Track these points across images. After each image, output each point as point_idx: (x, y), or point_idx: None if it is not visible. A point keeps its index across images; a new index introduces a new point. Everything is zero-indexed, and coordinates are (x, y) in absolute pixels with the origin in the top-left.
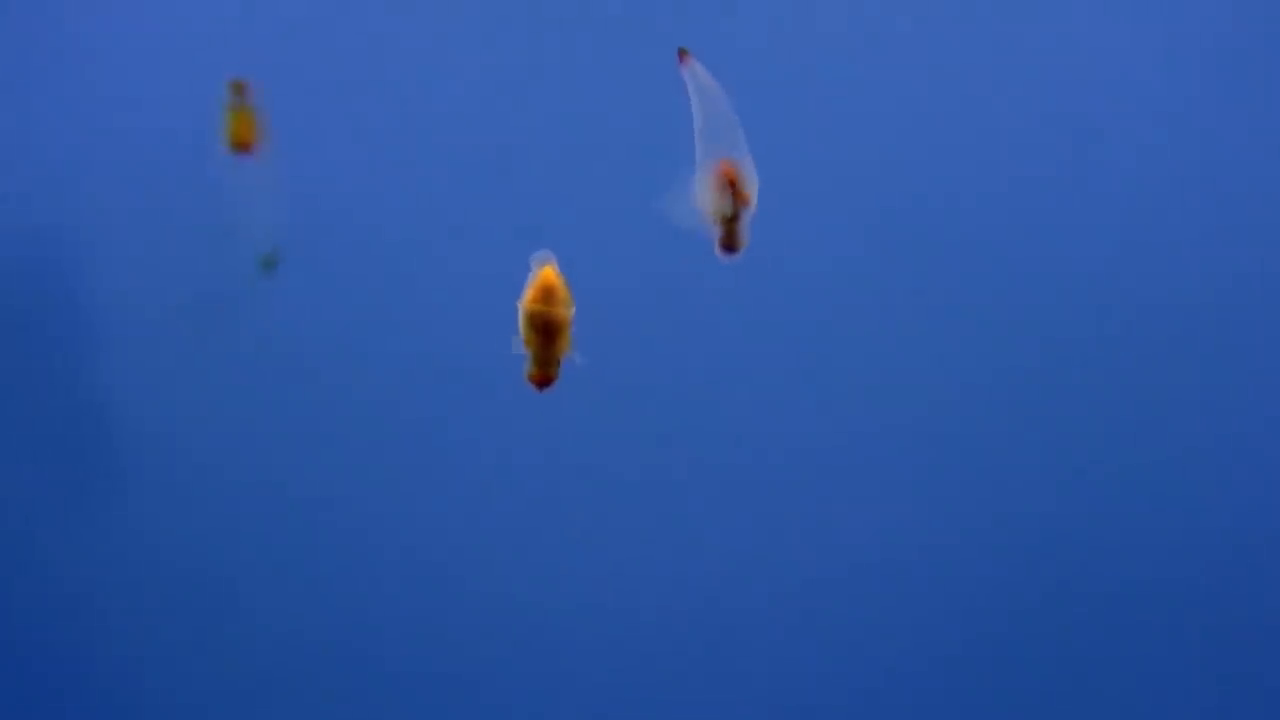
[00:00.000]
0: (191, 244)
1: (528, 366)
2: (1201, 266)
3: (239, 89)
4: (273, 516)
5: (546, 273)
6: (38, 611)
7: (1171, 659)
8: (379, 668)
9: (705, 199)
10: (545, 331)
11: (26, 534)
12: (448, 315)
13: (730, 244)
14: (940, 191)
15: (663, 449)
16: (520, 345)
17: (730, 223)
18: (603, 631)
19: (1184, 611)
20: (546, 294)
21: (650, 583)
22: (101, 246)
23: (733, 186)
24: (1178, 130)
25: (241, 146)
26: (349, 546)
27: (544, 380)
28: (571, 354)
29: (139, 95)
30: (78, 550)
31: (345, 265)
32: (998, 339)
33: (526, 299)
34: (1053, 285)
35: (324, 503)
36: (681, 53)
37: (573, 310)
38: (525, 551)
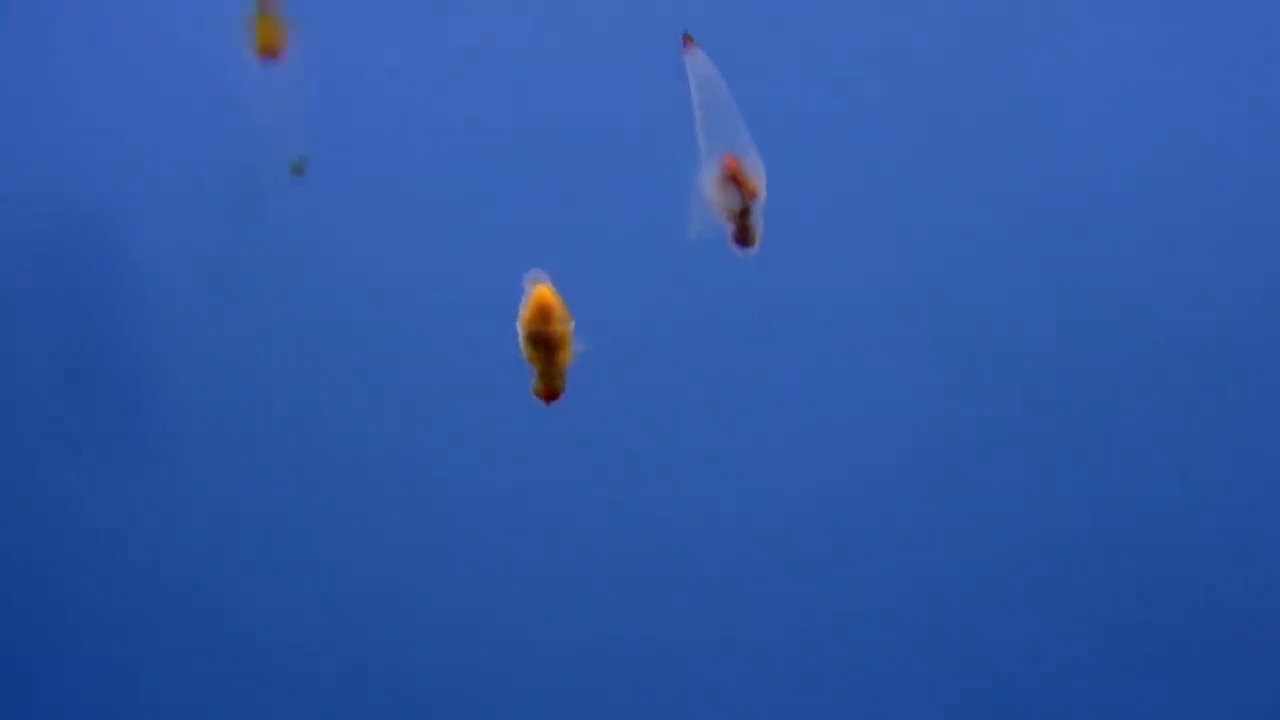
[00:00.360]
0: (223, 154)
1: (534, 382)
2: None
3: None
4: (313, 472)
5: (541, 291)
6: (85, 566)
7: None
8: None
9: (713, 195)
10: (546, 348)
11: (73, 492)
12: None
13: (744, 238)
14: (960, 192)
15: (670, 455)
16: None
17: (742, 217)
18: (604, 633)
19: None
20: (543, 313)
21: (659, 588)
22: (134, 173)
23: (738, 180)
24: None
25: (268, 52)
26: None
27: (551, 394)
28: (580, 347)
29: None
30: (125, 505)
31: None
32: (1013, 337)
33: (524, 319)
34: (1075, 277)
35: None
36: (686, 38)
37: (571, 324)
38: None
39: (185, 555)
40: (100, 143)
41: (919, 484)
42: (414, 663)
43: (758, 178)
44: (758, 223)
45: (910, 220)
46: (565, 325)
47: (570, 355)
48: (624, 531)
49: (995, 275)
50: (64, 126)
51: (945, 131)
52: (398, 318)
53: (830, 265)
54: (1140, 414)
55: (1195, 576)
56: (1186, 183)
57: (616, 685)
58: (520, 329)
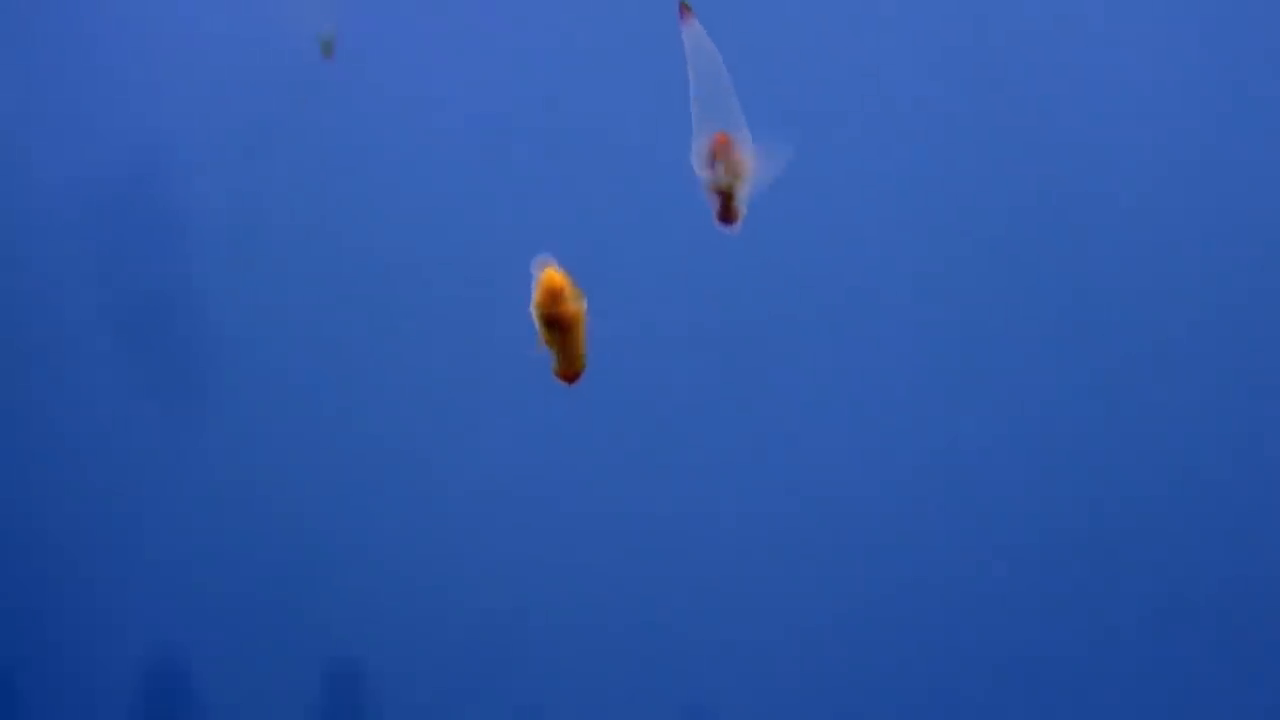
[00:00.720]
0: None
1: (553, 364)
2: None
3: None
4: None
5: (550, 274)
6: (137, 513)
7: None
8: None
9: (701, 170)
10: (560, 328)
11: (125, 441)
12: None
13: (727, 216)
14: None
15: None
16: (541, 347)
17: (726, 194)
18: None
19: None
20: (553, 295)
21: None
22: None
23: (727, 157)
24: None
25: None
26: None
27: (572, 375)
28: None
29: None
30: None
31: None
32: (1012, 334)
33: (536, 303)
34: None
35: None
36: (684, 7)
37: (584, 302)
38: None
39: (229, 512)
40: (143, 94)
41: (934, 482)
42: (422, 646)
43: (748, 156)
44: (743, 201)
45: (915, 216)
46: (577, 304)
47: (584, 335)
48: (643, 517)
49: (997, 273)
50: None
51: (954, 125)
52: (417, 312)
53: (847, 250)
54: (1148, 414)
55: (1199, 576)
56: (1190, 182)
57: (634, 676)
58: (534, 313)
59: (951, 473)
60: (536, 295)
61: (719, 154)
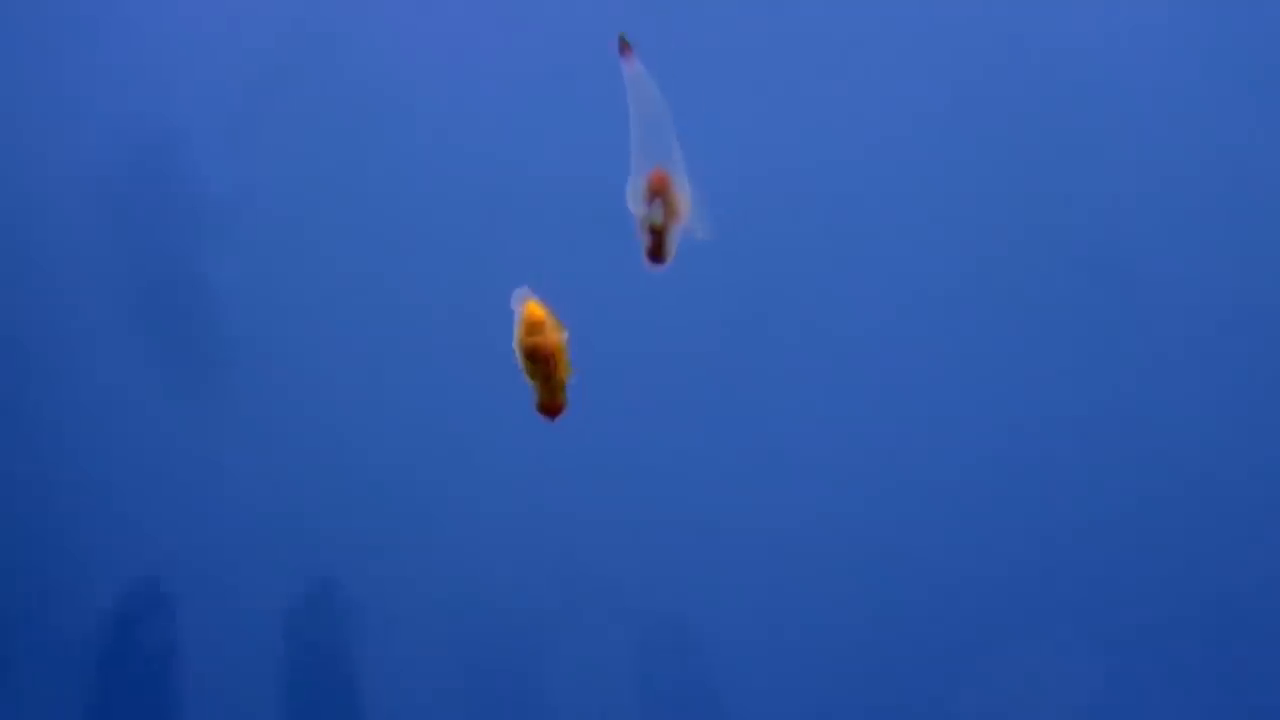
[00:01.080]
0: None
1: (535, 399)
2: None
3: None
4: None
5: (530, 306)
6: (151, 481)
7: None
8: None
9: (636, 206)
10: (542, 360)
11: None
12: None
13: (657, 254)
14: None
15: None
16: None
17: (658, 232)
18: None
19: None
20: (534, 326)
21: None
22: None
23: (662, 196)
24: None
25: None
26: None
27: (554, 409)
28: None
29: None
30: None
31: None
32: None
33: (520, 336)
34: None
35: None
36: (623, 44)
37: (565, 334)
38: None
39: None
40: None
41: (936, 488)
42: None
43: (684, 196)
44: (674, 241)
45: (912, 222)
46: (558, 335)
47: (567, 368)
48: (628, 543)
49: (998, 273)
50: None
51: (950, 130)
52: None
53: (831, 273)
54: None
55: (1200, 579)
56: (1207, 182)
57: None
58: (516, 347)
59: (951, 475)
60: (518, 329)
61: (657, 192)
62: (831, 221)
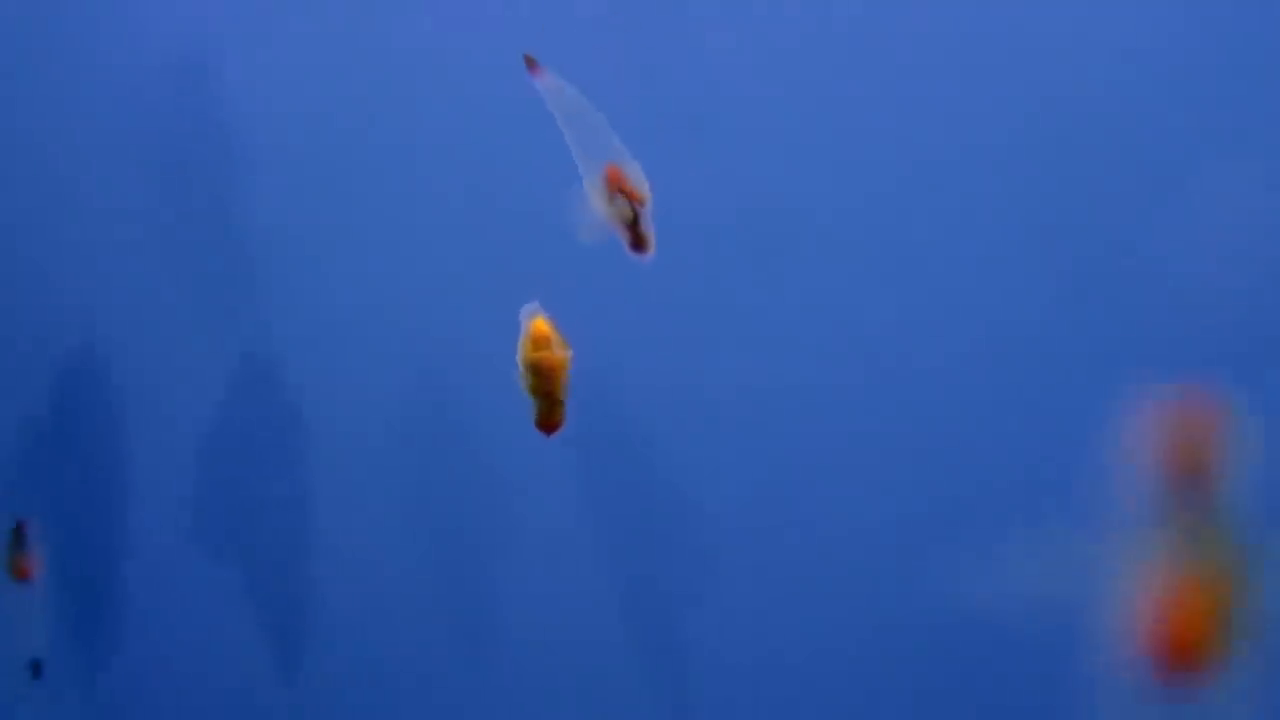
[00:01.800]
0: None
1: (535, 415)
2: None
3: None
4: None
5: (537, 322)
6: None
7: None
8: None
9: (600, 207)
10: (547, 377)
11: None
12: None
13: (639, 244)
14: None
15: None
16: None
17: (632, 224)
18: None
19: None
20: (540, 341)
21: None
22: None
23: (622, 188)
24: None
25: None
26: None
27: (551, 425)
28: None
29: None
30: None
31: None
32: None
33: (525, 350)
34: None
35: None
36: (529, 61)
37: (569, 353)
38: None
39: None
40: None
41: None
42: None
43: (640, 183)
44: (649, 227)
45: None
46: (562, 352)
47: (567, 385)
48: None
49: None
50: None
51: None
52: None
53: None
54: None
55: None
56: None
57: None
58: (520, 360)
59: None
60: (524, 343)
61: (614, 187)
62: (831, 222)
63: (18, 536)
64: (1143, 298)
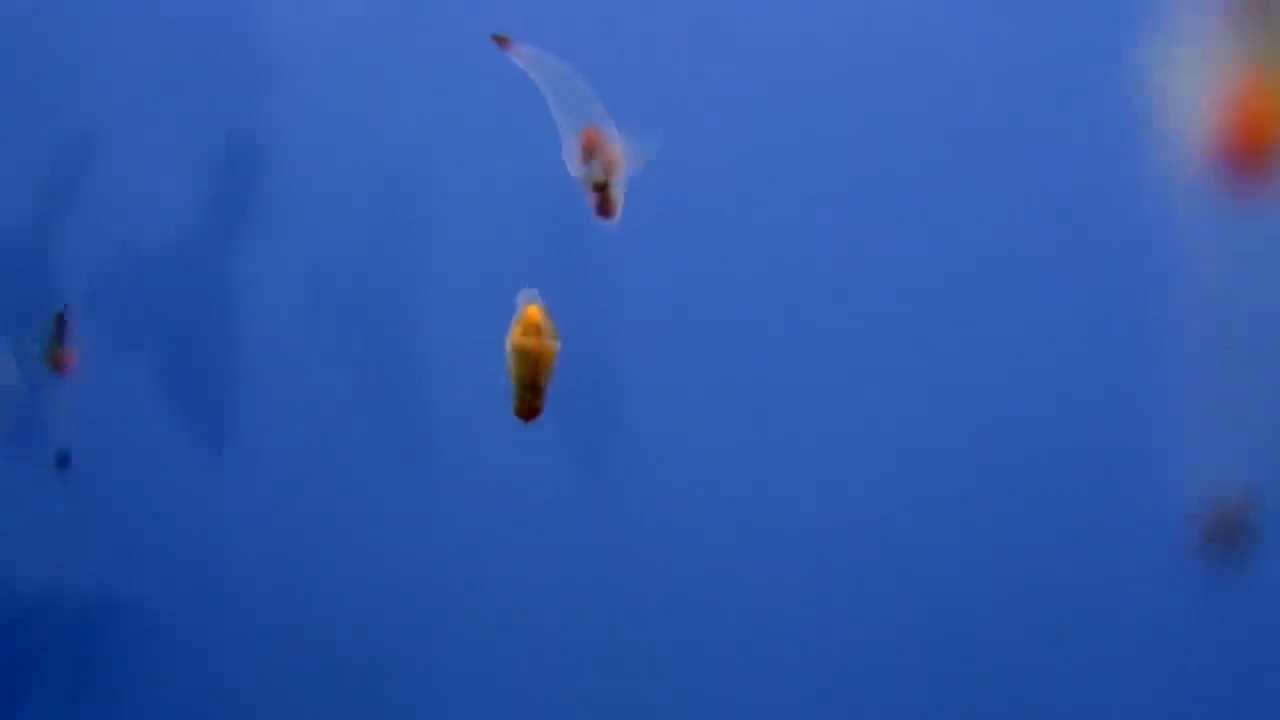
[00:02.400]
0: None
1: (515, 401)
2: None
3: None
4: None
5: (531, 309)
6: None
7: None
8: None
9: (575, 169)
10: (532, 364)
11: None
12: None
13: (606, 209)
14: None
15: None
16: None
17: (603, 188)
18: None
19: None
20: (530, 328)
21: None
22: None
23: (598, 151)
24: None
25: None
26: None
27: (531, 412)
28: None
29: None
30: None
31: None
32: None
33: (514, 334)
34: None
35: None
36: (500, 40)
37: (558, 344)
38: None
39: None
40: None
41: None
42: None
43: (618, 149)
44: (619, 193)
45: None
46: (551, 342)
47: (551, 376)
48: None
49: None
50: None
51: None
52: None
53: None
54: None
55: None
56: None
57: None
58: (508, 344)
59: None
60: (516, 327)
61: (591, 150)
62: (829, 223)
63: (59, 328)
64: None
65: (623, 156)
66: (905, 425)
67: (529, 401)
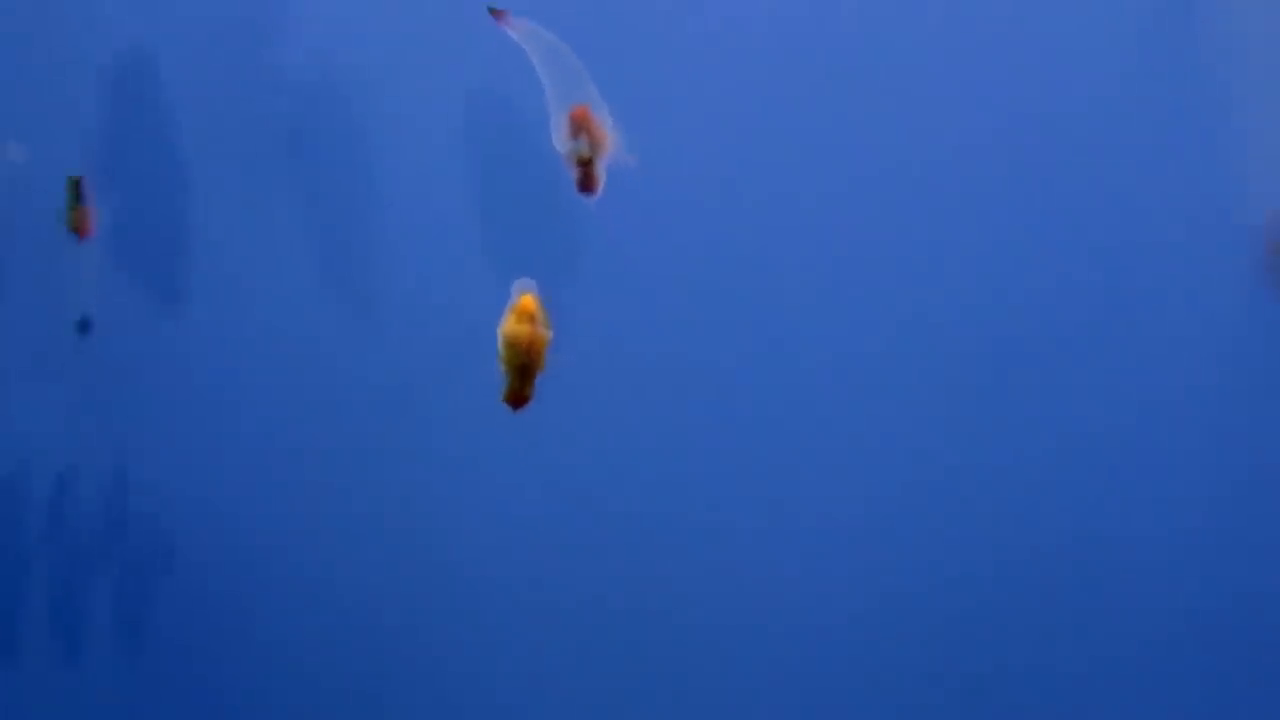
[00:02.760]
0: None
1: (504, 389)
2: None
3: None
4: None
5: (525, 297)
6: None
7: None
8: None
9: (562, 145)
10: (524, 352)
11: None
12: None
13: (587, 186)
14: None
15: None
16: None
17: (586, 165)
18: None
19: None
20: (524, 315)
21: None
22: None
23: (585, 129)
24: None
25: None
26: None
27: (520, 400)
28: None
29: None
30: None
31: None
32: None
33: (508, 321)
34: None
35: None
36: (495, 13)
37: (549, 334)
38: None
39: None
40: None
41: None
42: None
43: (606, 128)
44: (601, 171)
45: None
46: (544, 331)
47: (543, 365)
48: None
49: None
50: None
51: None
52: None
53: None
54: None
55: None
56: None
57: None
58: (500, 331)
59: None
60: (510, 314)
61: (580, 126)
62: (829, 222)
63: (76, 192)
64: None
65: (609, 137)
66: (903, 404)
67: (518, 389)
